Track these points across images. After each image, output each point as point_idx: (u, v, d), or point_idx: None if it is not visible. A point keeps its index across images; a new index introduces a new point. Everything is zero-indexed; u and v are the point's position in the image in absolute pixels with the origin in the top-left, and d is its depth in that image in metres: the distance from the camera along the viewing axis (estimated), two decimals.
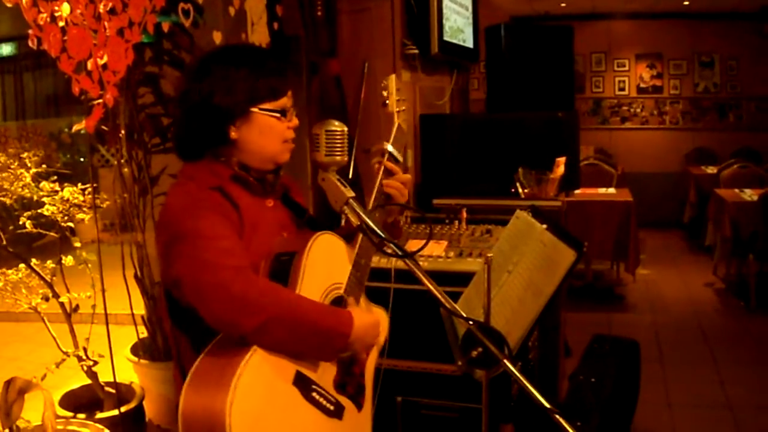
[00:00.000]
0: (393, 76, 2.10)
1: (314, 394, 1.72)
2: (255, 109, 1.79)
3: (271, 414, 1.61)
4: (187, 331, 1.77)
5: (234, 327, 1.59)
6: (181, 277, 1.66)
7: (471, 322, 1.69)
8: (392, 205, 1.95)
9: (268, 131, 1.82)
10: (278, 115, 1.82)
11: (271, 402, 1.61)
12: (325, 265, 1.81)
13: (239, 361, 1.55)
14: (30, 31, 2.59)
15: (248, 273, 1.63)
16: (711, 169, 8.71)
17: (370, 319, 1.83)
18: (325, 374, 1.77)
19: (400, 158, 2.02)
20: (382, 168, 1.96)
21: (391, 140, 2.02)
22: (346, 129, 1.86)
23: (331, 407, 1.77)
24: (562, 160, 4.04)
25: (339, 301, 1.84)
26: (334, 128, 1.84)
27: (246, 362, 1.56)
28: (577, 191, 6.08)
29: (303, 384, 1.69)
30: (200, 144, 1.84)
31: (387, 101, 2.07)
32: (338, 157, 1.84)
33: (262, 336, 1.59)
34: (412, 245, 1.87)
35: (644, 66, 10.24)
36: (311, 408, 1.72)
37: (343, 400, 1.82)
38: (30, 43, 2.60)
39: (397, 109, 2.07)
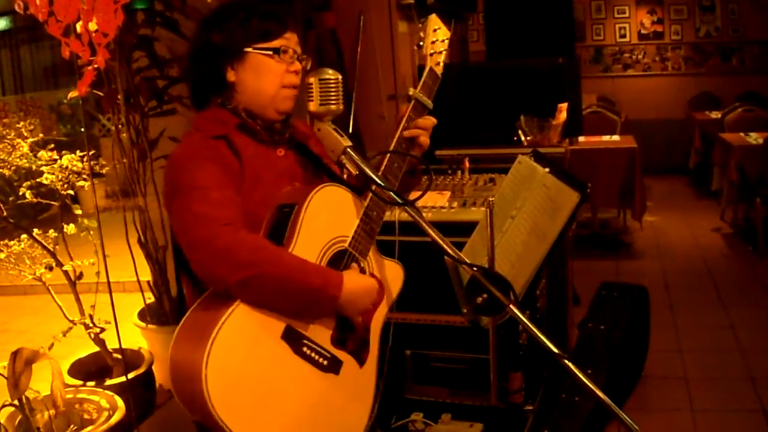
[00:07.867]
0: (432, 16, 2.02)
1: (305, 348, 1.71)
2: (249, 49, 1.81)
3: (253, 367, 1.62)
4: (201, 285, 1.77)
5: (217, 281, 1.62)
6: (175, 229, 1.70)
7: (475, 269, 1.67)
8: (392, 153, 1.90)
9: (263, 72, 1.83)
10: (271, 53, 1.82)
11: (253, 355, 1.62)
12: (328, 218, 1.78)
13: (221, 315, 1.57)
14: None
15: (236, 227, 1.64)
16: (715, 114, 8.61)
17: (365, 284, 1.80)
18: (320, 329, 1.75)
19: (429, 104, 1.98)
20: (406, 114, 1.94)
21: (419, 86, 1.98)
22: (340, 77, 1.83)
23: (325, 362, 1.75)
24: (564, 106, 3.99)
25: (342, 255, 1.81)
26: (327, 76, 1.80)
27: (227, 316, 1.58)
28: (581, 139, 6.03)
29: (292, 338, 1.69)
30: (204, 89, 1.89)
31: (422, 42, 2.01)
32: (333, 106, 1.81)
33: (245, 291, 1.60)
34: (414, 195, 1.84)
35: (644, 12, 10.08)
36: (302, 362, 1.71)
37: (342, 355, 1.80)
38: (16, 8, 2.56)
39: (431, 52, 2.00)
